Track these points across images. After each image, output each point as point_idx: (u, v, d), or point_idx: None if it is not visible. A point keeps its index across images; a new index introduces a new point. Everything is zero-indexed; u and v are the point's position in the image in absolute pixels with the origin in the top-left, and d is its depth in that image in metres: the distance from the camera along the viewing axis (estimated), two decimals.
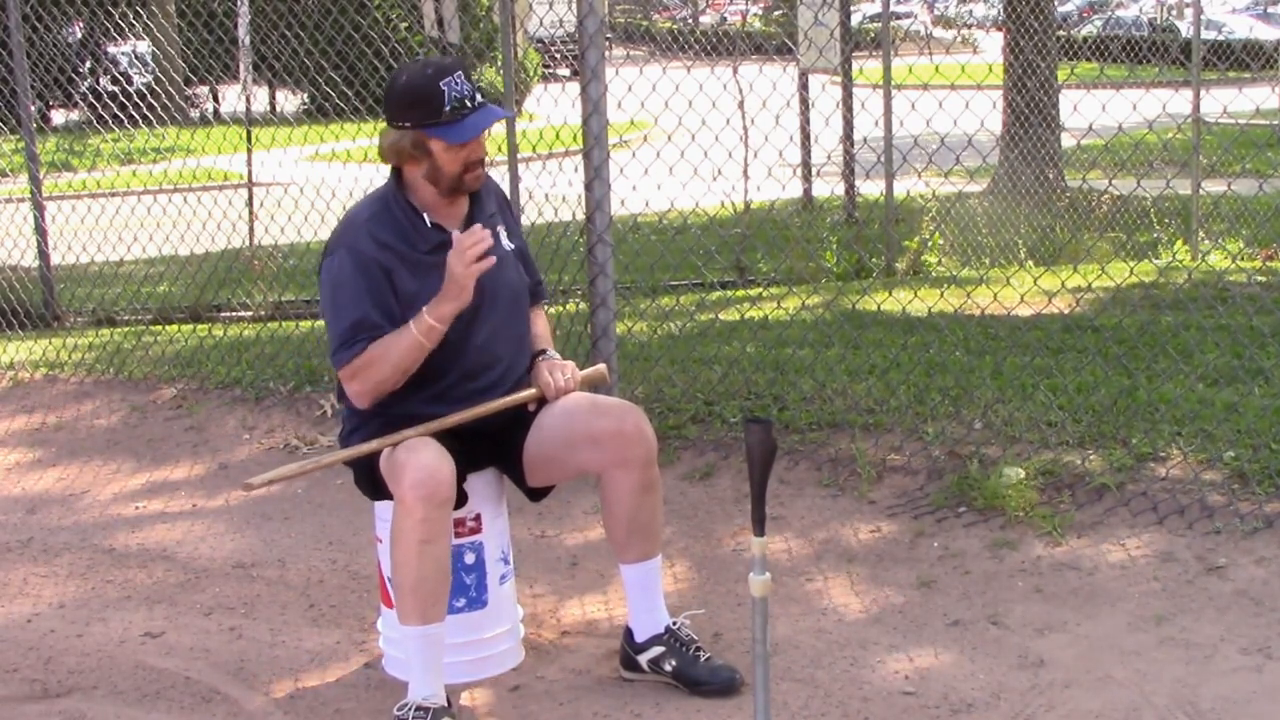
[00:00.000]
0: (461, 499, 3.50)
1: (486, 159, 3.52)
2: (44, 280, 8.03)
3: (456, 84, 3.38)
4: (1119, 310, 6.27)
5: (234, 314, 7.95)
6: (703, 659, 3.56)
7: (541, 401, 3.61)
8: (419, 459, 3.31)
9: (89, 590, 4.46)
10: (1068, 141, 11.95)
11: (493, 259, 3.39)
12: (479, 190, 3.58)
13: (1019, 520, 4.29)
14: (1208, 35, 13.45)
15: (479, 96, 3.43)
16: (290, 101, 16.94)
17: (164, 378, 6.40)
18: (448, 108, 3.36)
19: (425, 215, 3.49)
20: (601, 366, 3.90)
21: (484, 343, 3.51)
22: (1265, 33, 23.15)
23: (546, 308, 4.01)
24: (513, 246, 3.68)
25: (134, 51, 16.95)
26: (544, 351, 3.72)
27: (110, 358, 6.73)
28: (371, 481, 3.51)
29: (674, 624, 3.61)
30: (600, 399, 3.65)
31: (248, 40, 10.26)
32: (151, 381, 6.38)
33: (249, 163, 9.77)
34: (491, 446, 3.60)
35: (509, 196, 6.85)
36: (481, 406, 3.50)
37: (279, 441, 5.64)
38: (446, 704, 3.37)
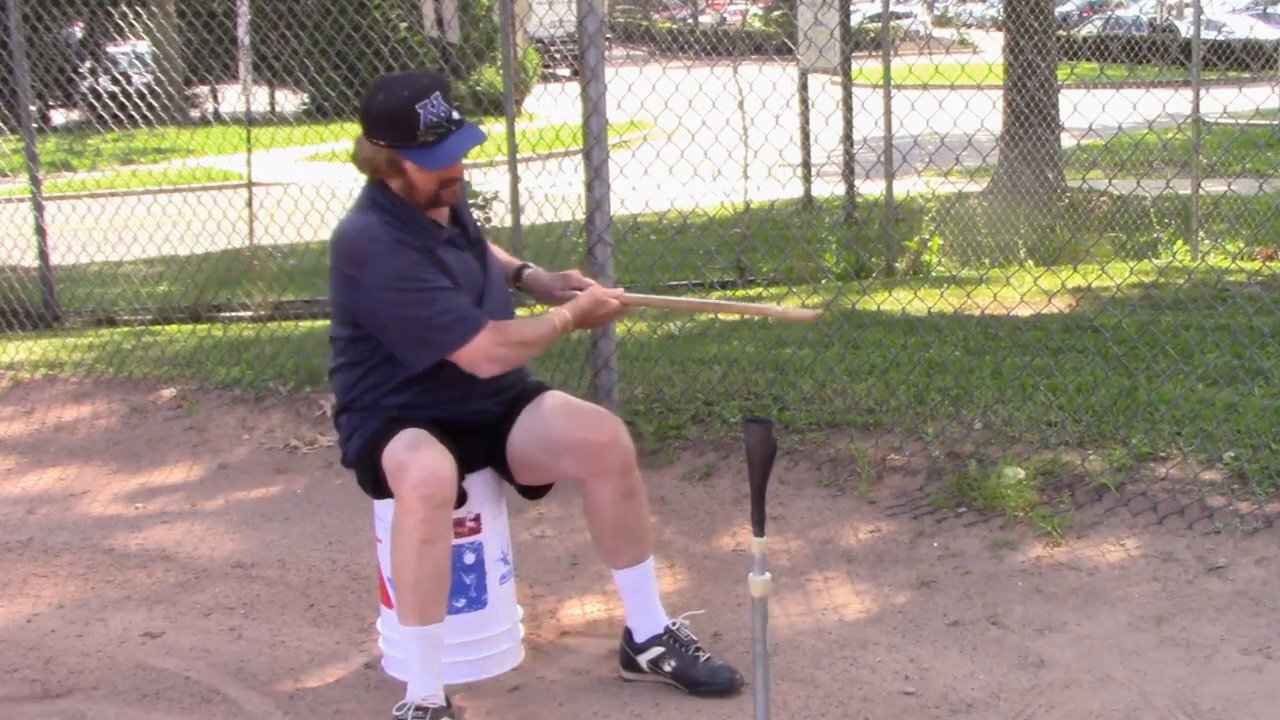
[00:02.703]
0: (461, 498, 3.50)
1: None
2: (44, 280, 8.03)
3: (433, 106, 3.34)
4: (1119, 310, 6.27)
5: (234, 314, 7.95)
6: (702, 659, 3.56)
7: (537, 390, 3.64)
8: (420, 459, 3.30)
9: (89, 590, 4.46)
10: (1068, 141, 11.95)
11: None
12: None
13: (1019, 520, 4.29)
14: (1208, 35, 13.45)
15: (455, 114, 3.40)
16: (290, 101, 16.94)
17: (164, 378, 6.40)
18: (422, 130, 3.34)
19: (421, 213, 3.49)
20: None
21: None
22: (1265, 33, 23.14)
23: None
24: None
25: (134, 51, 16.96)
26: (526, 265, 3.79)
27: (110, 358, 6.73)
28: (374, 481, 3.50)
29: (673, 624, 3.61)
30: (578, 406, 3.63)
31: (248, 40, 10.26)
32: (151, 381, 6.38)
33: (249, 163, 9.78)
34: (486, 445, 3.60)
35: (510, 196, 6.88)
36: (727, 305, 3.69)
37: (279, 441, 5.64)
38: (445, 704, 3.37)
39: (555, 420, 3.55)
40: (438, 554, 3.32)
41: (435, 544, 3.31)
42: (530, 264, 3.82)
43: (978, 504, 4.40)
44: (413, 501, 3.28)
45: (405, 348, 3.39)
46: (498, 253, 3.81)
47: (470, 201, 3.75)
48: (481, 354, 3.37)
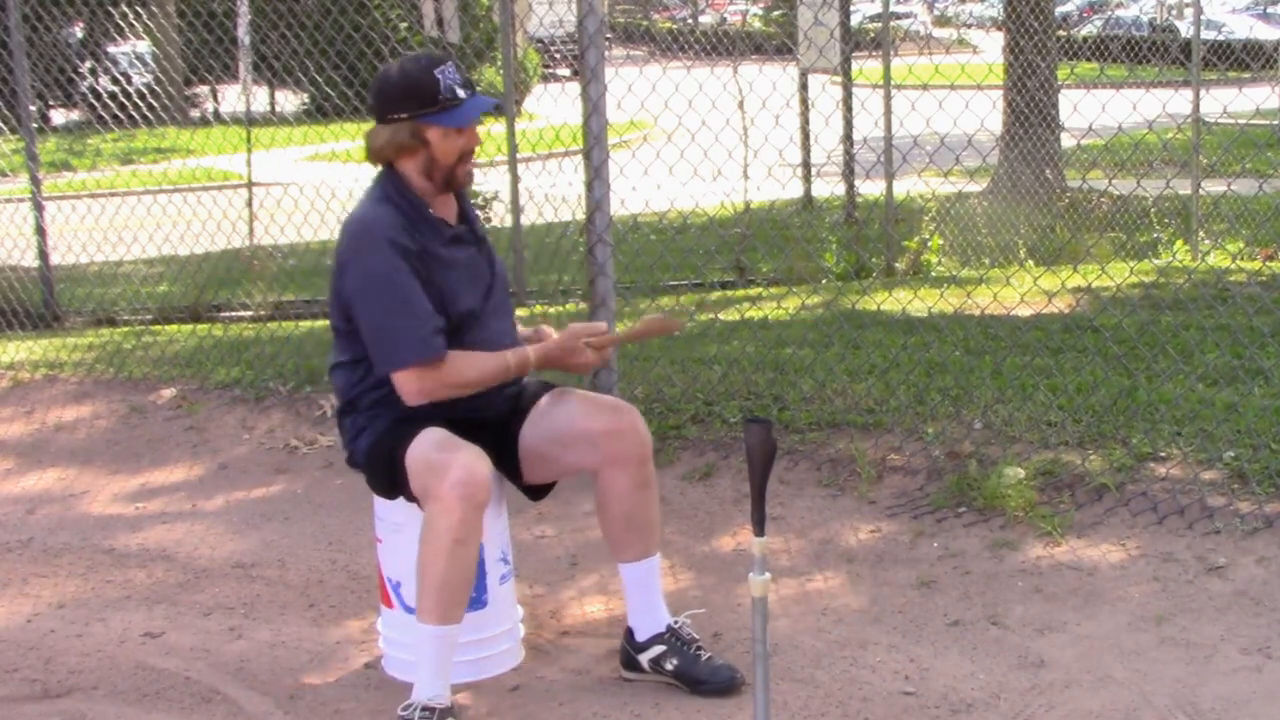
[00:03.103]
0: None
1: (478, 155, 3.53)
2: (44, 280, 8.03)
3: (449, 73, 3.42)
4: (1119, 310, 6.27)
5: (234, 314, 7.96)
6: (704, 658, 3.55)
7: (542, 390, 3.64)
8: (461, 459, 3.29)
9: (89, 590, 4.46)
10: (1068, 141, 11.95)
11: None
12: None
13: (1019, 520, 4.29)
14: (1208, 35, 13.44)
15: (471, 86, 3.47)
16: (290, 101, 16.94)
17: (164, 378, 6.40)
18: (443, 95, 3.39)
19: (431, 211, 3.50)
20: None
21: (488, 338, 3.51)
22: (1265, 33, 23.13)
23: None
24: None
25: (134, 51, 16.98)
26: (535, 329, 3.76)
27: (110, 358, 6.73)
28: (390, 480, 3.48)
29: (675, 623, 3.61)
30: (595, 396, 3.66)
31: (248, 40, 10.27)
32: (151, 381, 6.38)
33: (249, 163, 9.78)
34: (489, 444, 3.59)
35: (511, 196, 6.89)
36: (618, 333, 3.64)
37: (279, 441, 5.64)
38: (450, 706, 3.36)
39: (572, 411, 3.56)
40: (468, 555, 3.32)
41: (467, 545, 3.30)
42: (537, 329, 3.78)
43: (978, 504, 4.40)
44: (452, 501, 3.26)
45: (369, 349, 3.42)
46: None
47: (470, 201, 3.76)
48: (414, 387, 3.37)
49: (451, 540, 3.28)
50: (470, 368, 3.42)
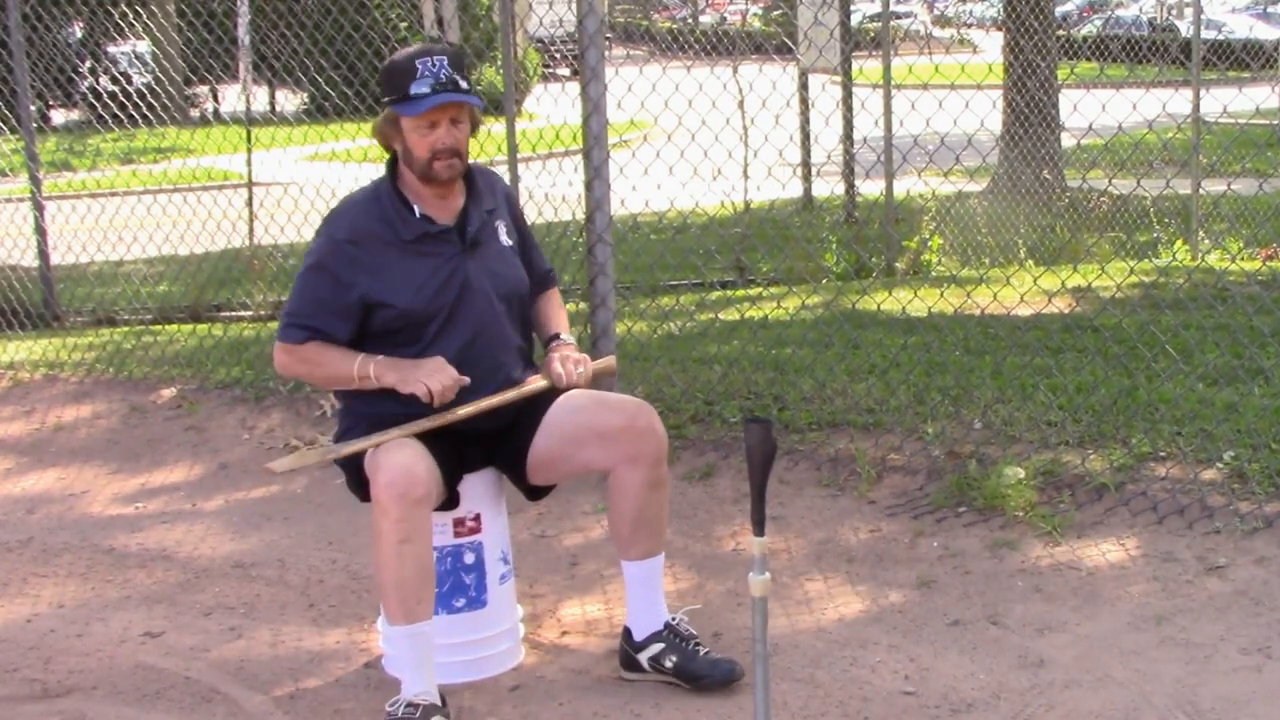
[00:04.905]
0: (453, 501, 3.50)
1: (465, 153, 3.48)
2: (44, 280, 8.03)
3: (433, 65, 3.38)
4: (1119, 310, 6.27)
5: (234, 314, 7.96)
6: (702, 653, 3.55)
7: (552, 392, 3.60)
8: (392, 459, 3.31)
9: (89, 590, 4.46)
10: (1068, 141, 11.95)
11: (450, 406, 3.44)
12: (478, 185, 3.59)
13: (1019, 520, 4.29)
14: (1208, 35, 13.45)
15: (462, 85, 3.40)
16: (290, 101, 16.94)
17: (164, 378, 6.40)
18: (413, 85, 3.38)
19: (416, 206, 3.50)
20: (611, 358, 3.93)
21: (468, 340, 3.50)
22: (1265, 33, 23.14)
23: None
24: (510, 243, 3.66)
25: (134, 51, 16.98)
26: (557, 336, 3.71)
27: (110, 358, 6.73)
28: (360, 483, 3.51)
29: (673, 620, 3.61)
30: (610, 396, 3.66)
31: (248, 40, 10.26)
32: (151, 381, 6.38)
33: (249, 163, 9.77)
34: (491, 445, 3.60)
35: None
36: (493, 398, 3.50)
37: (279, 441, 5.64)
38: (439, 703, 3.36)
39: (586, 410, 3.55)
40: (418, 552, 3.31)
41: (414, 542, 3.30)
42: (561, 335, 3.73)
43: (978, 504, 4.40)
44: (387, 501, 3.27)
45: None
46: (550, 309, 3.80)
47: (484, 208, 3.70)
48: (277, 358, 3.57)
49: (396, 540, 3.28)
50: (318, 364, 3.51)
